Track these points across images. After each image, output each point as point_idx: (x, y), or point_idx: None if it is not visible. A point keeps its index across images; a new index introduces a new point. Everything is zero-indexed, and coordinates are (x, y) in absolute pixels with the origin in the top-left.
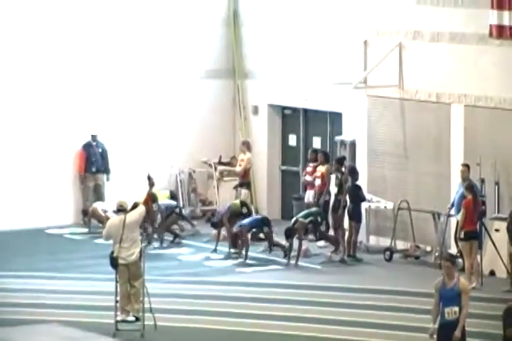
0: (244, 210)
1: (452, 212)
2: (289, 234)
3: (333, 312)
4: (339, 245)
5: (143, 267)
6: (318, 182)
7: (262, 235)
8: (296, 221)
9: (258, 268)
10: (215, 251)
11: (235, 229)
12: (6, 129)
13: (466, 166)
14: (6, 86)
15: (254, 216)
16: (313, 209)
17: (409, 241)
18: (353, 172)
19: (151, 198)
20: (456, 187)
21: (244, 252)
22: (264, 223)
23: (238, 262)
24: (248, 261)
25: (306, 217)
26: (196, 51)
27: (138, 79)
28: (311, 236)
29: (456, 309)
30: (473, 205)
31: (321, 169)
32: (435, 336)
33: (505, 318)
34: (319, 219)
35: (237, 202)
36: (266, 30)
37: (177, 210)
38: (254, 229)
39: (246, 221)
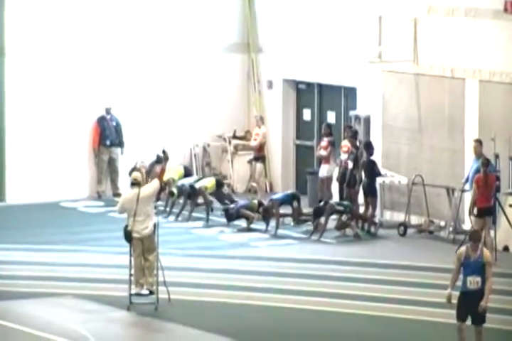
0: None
1: (466, 187)
2: (317, 214)
3: (347, 287)
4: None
5: (157, 240)
6: (344, 156)
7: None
8: (327, 202)
9: (272, 242)
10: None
11: (266, 203)
12: (20, 103)
13: (479, 142)
14: (23, 61)
15: (285, 191)
16: (347, 202)
17: (423, 216)
18: (369, 147)
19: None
20: (470, 163)
21: (272, 225)
22: (293, 198)
23: (255, 236)
24: (264, 235)
25: (337, 204)
26: (211, 25)
27: (152, 54)
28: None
29: (479, 279)
30: (484, 181)
31: (347, 144)
32: (453, 301)
33: None
34: (348, 210)
35: (256, 202)
36: (281, 4)
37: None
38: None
39: (277, 196)
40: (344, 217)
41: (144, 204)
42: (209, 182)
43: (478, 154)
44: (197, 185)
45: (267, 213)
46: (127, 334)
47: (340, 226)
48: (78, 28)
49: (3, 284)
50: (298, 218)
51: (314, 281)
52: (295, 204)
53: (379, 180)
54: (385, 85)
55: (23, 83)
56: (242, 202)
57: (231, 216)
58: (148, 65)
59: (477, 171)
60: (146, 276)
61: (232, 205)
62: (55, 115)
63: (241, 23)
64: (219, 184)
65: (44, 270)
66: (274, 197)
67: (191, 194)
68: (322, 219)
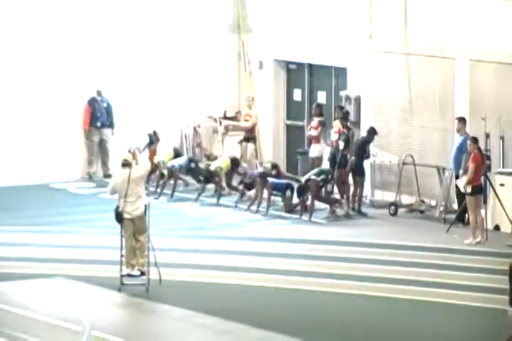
0: (274, 172)
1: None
2: (301, 192)
3: (338, 267)
4: (337, 202)
5: (148, 221)
6: (335, 137)
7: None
8: (309, 179)
9: (264, 222)
10: (248, 209)
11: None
12: (11, 85)
13: (462, 120)
14: (14, 41)
15: (281, 180)
16: (326, 167)
17: (414, 195)
18: (371, 132)
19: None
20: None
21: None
22: (287, 188)
23: (247, 217)
24: (255, 216)
25: (318, 175)
26: (201, 6)
27: (143, 35)
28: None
29: None
30: (481, 159)
31: (338, 124)
32: None
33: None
34: (330, 177)
35: (269, 165)
36: None
37: (192, 165)
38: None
39: (274, 180)
40: (330, 187)
41: (135, 185)
42: (223, 163)
43: (461, 132)
44: (212, 167)
45: (251, 186)
46: (118, 315)
47: (329, 201)
48: (70, 9)
49: None
50: (288, 207)
51: (305, 261)
52: (288, 193)
53: (369, 160)
54: (375, 65)
55: (12, 64)
56: (257, 171)
57: (249, 185)
58: (138, 47)
59: (459, 149)
60: (137, 257)
61: (250, 175)
62: (45, 96)
63: (231, 4)
64: (234, 163)
65: (35, 251)
66: (271, 180)
67: (207, 177)
68: (309, 199)
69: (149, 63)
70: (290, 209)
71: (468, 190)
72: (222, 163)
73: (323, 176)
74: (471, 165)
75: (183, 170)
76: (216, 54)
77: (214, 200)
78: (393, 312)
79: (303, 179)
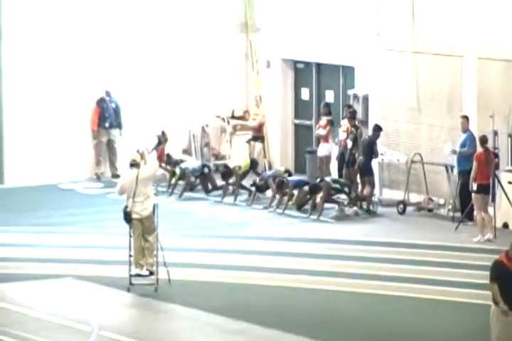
0: (287, 176)
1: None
2: (313, 191)
3: (346, 266)
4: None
5: (156, 221)
6: (343, 136)
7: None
8: (323, 180)
9: (273, 221)
10: (266, 208)
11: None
12: (20, 85)
13: (465, 118)
14: (21, 43)
15: (300, 177)
16: (343, 180)
17: (422, 194)
18: (377, 130)
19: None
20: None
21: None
22: (305, 184)
23: (255, 216)
24: (265, 215)
25: (333, 182)
26: (208, 6)
27: (150, 35)
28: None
29: None
30: (484, 158)
31: (346, 123)
32: None
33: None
34: (346, 189)
35: (282, 169)
36: None
37: (206, 170)
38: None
39: (293, 178)
40: (344, 202)
41: (143, 185)
42: (243, 162)
43: (464, 130)
44: (231, 165)
45: (280, 187)
46: (127, 315)
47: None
48: (78, 9)
49: (3, 266)
50: (300, 201)
51: (314, 260)
52: (305, 188)
53: (378, 159)
54: (383, 64)
55: (21, 65)
56: (269, 172)
57: (261, 188)
58: (147, 47)
59: (463, 145)
60: (145, 257)
61: (262, 177)
62: (54, 97)
63: (239, 3)
64: (253, 164)
65: (44, 252)
66: (290, 178)
67: (225, 173)
68: (318, 199)
69: (157, 63)
70: (301, 204)
71: (474, 187)
72: (242, 162)
73: (337, 185)
74: (474, 163)
75: (195, 174)
76: (224, 53)
77: (223, 199)
78: (400, 311)
79: (317, 179)
